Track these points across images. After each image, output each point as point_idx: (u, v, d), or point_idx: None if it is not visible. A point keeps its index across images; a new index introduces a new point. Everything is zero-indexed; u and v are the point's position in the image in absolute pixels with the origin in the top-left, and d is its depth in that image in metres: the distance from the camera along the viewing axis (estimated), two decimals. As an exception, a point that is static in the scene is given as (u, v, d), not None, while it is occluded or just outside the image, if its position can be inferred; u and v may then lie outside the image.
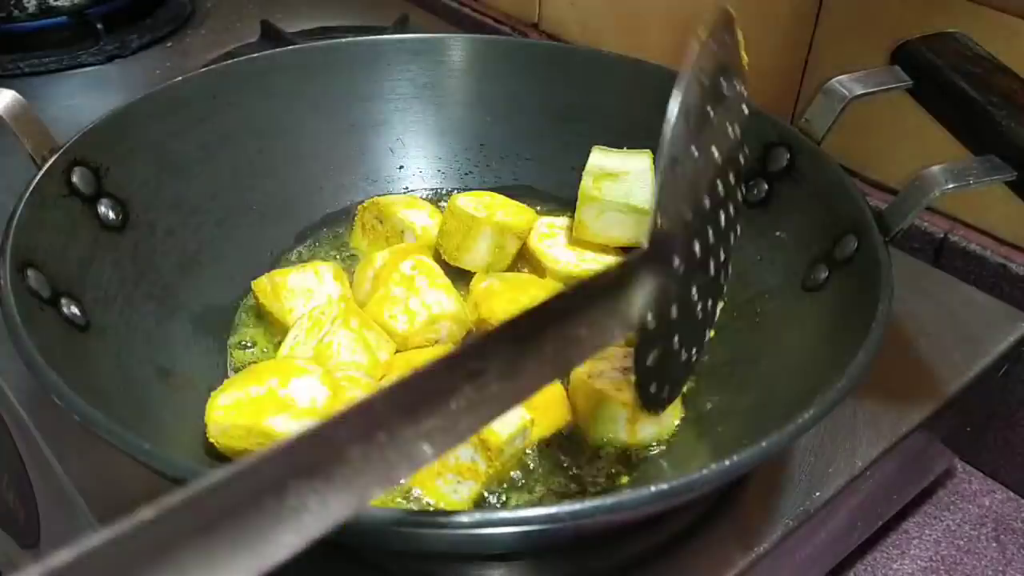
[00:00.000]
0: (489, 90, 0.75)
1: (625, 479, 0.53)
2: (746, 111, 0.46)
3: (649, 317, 0.38)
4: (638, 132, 0.71)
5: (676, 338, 0.42)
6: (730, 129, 0.44)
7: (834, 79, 0.58)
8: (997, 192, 0.51)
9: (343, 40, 0.74)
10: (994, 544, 0.67)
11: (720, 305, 0.49)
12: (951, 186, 0.50)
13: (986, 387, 0.65)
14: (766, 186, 0.63)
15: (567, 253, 0.67)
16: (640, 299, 0.37)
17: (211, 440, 0.49)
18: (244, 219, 0.67)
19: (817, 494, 0.53)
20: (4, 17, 0.97)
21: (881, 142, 0.76)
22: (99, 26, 1.00)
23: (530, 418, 0.51)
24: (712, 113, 0.42)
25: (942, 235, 0.73)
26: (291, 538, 0.25)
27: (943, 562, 0.65)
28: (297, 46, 0.78)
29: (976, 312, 0.67)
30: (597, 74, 0.72)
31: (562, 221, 0.69)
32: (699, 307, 0.44)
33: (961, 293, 0.69)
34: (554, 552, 0.49)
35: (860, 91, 0.57)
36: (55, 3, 0.98)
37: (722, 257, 0.46)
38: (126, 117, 0.61)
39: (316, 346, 0.56)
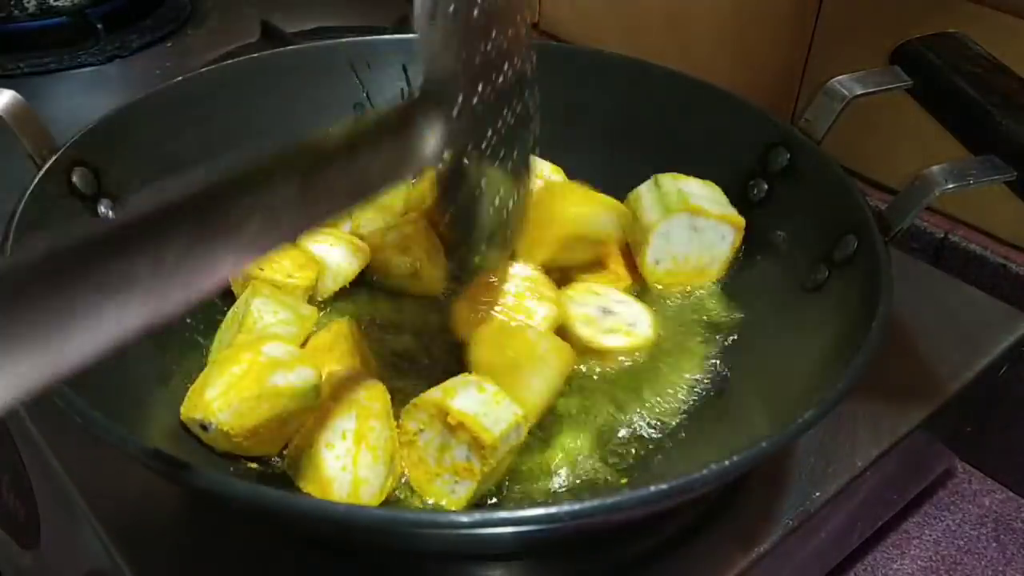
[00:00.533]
0: (489, 90, 0.75)
1: (624, 479, 0.53)
2: None
3: (445, 155, 0.41)
4: (638, 132, 0.71)
5: (482, 183, 0.45)
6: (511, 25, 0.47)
7: (834, 79, 0.58)
8: (997, 192, 0.51)
9: (343, 40, 0.74)
10: (994, 544, 0.67)
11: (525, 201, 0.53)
12: (951, 186, 0.50)
13: (986, 387, 0.65)
14: (766, 186, 0.63)
15: None
16: (430, 138, 0.40)
17: (226, 429, 0.48)
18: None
19: (817, 494, 0.53)
20: (4, 17, 0.97)
21: (881, 142, 0.76)
22: (99, 26, 0.99)
23: (523, 414, 0.51)
24: None
25: (942, 235, 0.73)
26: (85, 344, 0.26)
27: (943, 562, 0.65)
28: (297, 46, 0.78)
29: (976, 312, 0.67)
30: (597, 74, 0.72)
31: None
32: (506, 159, 0.47)
33: (961, 293, 0.69)
34: (554, 552, 0.49)
35: (860, 91, 0.57)
36: (55, 3, 0.98)
37: (518, 109, 0.48)
38: (126, 117, 0.61)
39: (239, 329, 0.55)
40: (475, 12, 0.43)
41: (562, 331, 0.58)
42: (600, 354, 0.58)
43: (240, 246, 0.30)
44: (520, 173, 0.49)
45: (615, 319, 0.59)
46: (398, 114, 0.40)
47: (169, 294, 0.28)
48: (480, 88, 0.44)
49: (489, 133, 0.46)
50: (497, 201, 0.48)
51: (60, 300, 0.25)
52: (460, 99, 0.42)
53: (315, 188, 0.34)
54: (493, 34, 0.45)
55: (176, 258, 0.28)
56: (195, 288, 0.29)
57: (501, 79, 0.46)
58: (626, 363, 0.59)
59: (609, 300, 0.61)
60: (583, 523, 0.38)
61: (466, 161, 0.44)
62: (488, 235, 0.48)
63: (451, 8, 0.42)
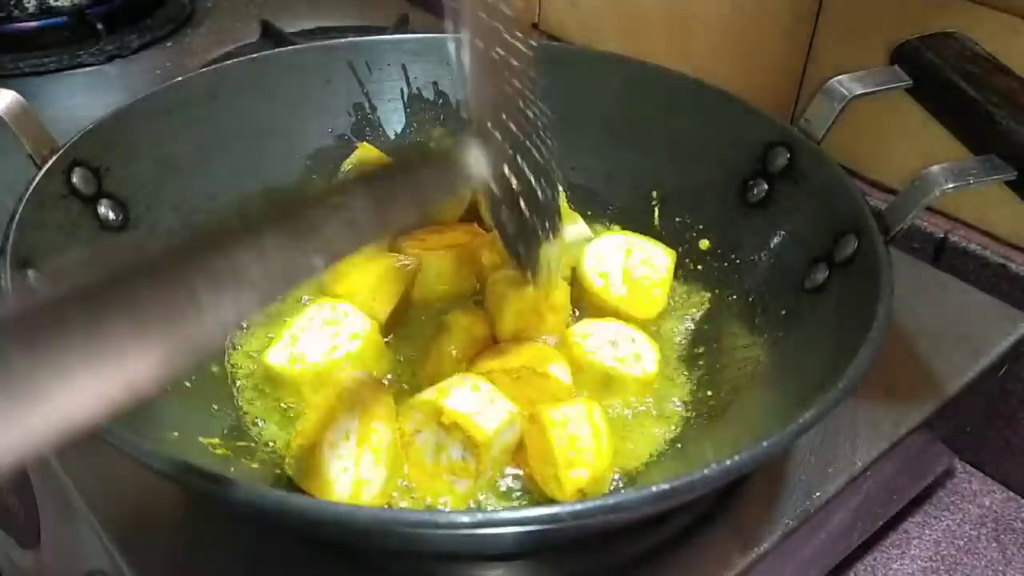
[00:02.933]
0: (489, 90, 0.75)
1: (625, 478, 0.53)
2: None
3: (492, 183, 0.49)
4: (638, 132, 0.71)
5: (524, 206, 0.51)
6: (516, 62, 0.52)
7: (834, 79, 0.58)
8: (997, 192, 0.51)
9: (343, 40, 0.74)
10: (994, 544, 0.67)
11: (560, 193, 0.58)
12: (951, 186, 0.50)
13: (986, 387, 0.65)
14: (766, 186, 0.63)
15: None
16: (474, 160, 0.47)
17: None
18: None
19: (817, 494, 0.53)
20: (4, 17, 0.97)
21: (881, 142, 0.76)
22: (99, 26, 0.99)
23: (517, 411, 0.51)
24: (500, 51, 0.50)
25: (942, 235, 0.73)
26: (214, 325, 0.30)
27: (943, 562, 0.65)
28: (297, 46, 0.78)
29: (976, 312, 0.67)
30: (597, 74, 0.72)
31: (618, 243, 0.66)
32: (539, 187, 0.53)
33: (961, 293, 0.69)
34: (554, 552, 0.49)
35: (860, 91, 0.57)
36: (55, 3, 0.98)
37: (544, 151, 0.54)
38: (126, 117, 0.61)
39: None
40: (494, 55, 0.50)
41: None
42: (619, 382, 0.57)
43: (323, 245, 0.36)
44: (551, 168, 0.55)
45: (624, 350, 0.58)
46: (449, 143, 0.48)
47: (272, 283, 0.33)
48: (507, 115, 0.51)
49: (521, 147, 0.52)
50: (540, 198, 0.54)
51: (186, 290, 0.29)
52: (498, 136, 0.49)
53: (384, 200, 0.41)
54: (507, 71, 0.52)
55: (274, 252, 0.33)
56: (291, 278, 0.35)
57: (520, 102, 0.52)
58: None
59: (615, 333, 0.59)
60: (584, 523, 0.38)
61: (509, 174, 0.50)
62: (536, 231, 0.54)
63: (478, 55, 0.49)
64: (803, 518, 0.52)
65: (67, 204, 0.55)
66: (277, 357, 0.56)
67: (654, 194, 0.71)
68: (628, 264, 0.63)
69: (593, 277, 0.63)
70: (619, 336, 0.58)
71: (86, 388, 0.25)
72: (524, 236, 0.53)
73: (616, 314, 0.61)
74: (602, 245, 0.65)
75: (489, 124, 0.49)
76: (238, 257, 0.32)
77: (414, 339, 0.62)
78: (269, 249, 0.33)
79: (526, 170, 0.52)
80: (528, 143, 0.53)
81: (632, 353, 0.57)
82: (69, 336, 0.25)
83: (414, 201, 0.44)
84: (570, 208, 0.71)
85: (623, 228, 0.71)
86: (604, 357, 0.57)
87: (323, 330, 0.57)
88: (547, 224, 0.55)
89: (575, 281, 0.64)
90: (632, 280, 0.63)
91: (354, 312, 0.58)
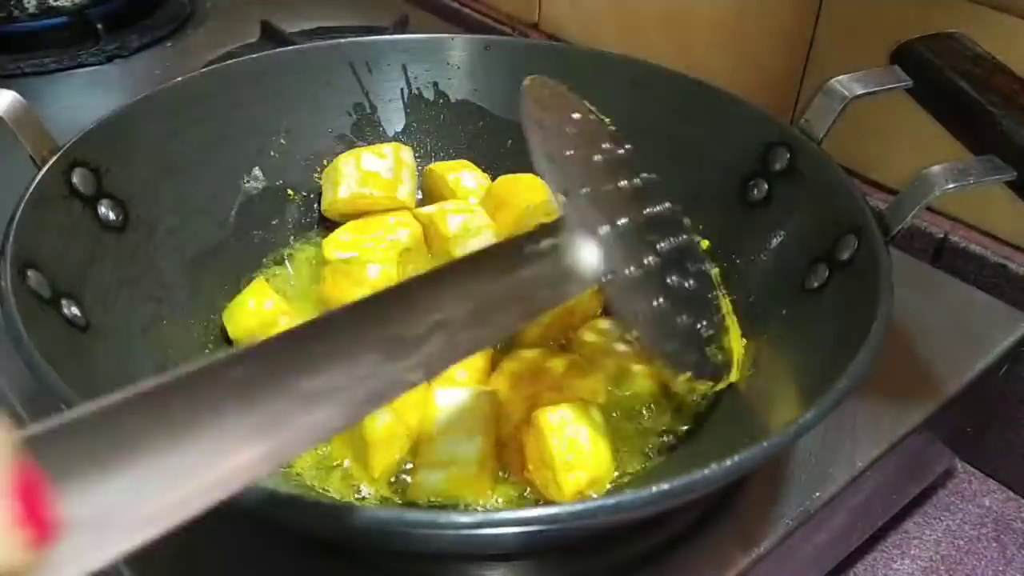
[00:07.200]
0: (489, 90, 0.75)
1: (626, 479, 0.53)
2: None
3: (605, 273, 0.40)
4: (637, 132, 0.71)
5: (663, 300, 0.45)
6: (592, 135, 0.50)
7: (834, 79, 0.58)
8: (997, 192, 0.51)
9: (343, 40, 0.74)
10: (994, 544, 0.67)
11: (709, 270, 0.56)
12: (951, 186, 0.50)
13: (986, 387, 0.65)
14: (766, 186, 0.63)
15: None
16: (583, 255, 0.39)
17: None
18: (245, 219, 0.67)
19: (817, 494, 0.53)
20: (4, 17, 0.97)
21: (881, 142, 0.76)
22: (99, 26, 1.00)
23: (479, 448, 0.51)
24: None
25: (942, 235, 0.73)
26: (307, 430, 0.29)
27: (943, 562, 0.65)
28: (297, 46, 0.78)
29: (976, 312, 0.67)
30: (597, 74, 0.72)
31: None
32: (677, 272, 0.48)
33: (961, 293, 0.69)
34: (554, 552, 0.49)
35: (860, 91, 0.57)
36: (55, 3, 0.98)
37: (670, 221, 0.52)
38: (126, 117, 0.61)
39: None
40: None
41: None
42: (633, 374, 0.58)
43: (421, 361, 0.33)
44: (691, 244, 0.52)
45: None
46: (549, 240, 0.40)
47: (359, 403, 0.30)
48: (615, 207, 0.46)
49: (635, 230, 0.47)
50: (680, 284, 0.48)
51: (285, 401, 0.28)
52: (603, 228, 0.43)
53: (486, 310, 0.36)
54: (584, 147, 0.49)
55: (368, 371, 0.31)
56: (383, 398, 0.32)
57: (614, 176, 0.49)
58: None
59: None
60: (584, 523, 0.38)
61: (628, 264, 0.44)
62: (687, 325, 0.48)
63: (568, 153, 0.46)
64: (803, 518, 0.52)
65: (67, 204, 0.55)
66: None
67: (654, 194, 0.71)
68: None
69: None
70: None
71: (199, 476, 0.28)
72: (672, 333, 0.46)
73: None
74: None
75: (593, 219, 0.42)
76: (332, 376, 0.30)
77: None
78: (364, 367, 0.31)
79: (650, 257, 0.46)
80: (642, 220, 0.47)
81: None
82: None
83: (519, 311, 0.38)
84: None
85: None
86: (617, 351, 0.58)
87: None
88: (700, 314, 0.48)
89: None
90: None
91: None
